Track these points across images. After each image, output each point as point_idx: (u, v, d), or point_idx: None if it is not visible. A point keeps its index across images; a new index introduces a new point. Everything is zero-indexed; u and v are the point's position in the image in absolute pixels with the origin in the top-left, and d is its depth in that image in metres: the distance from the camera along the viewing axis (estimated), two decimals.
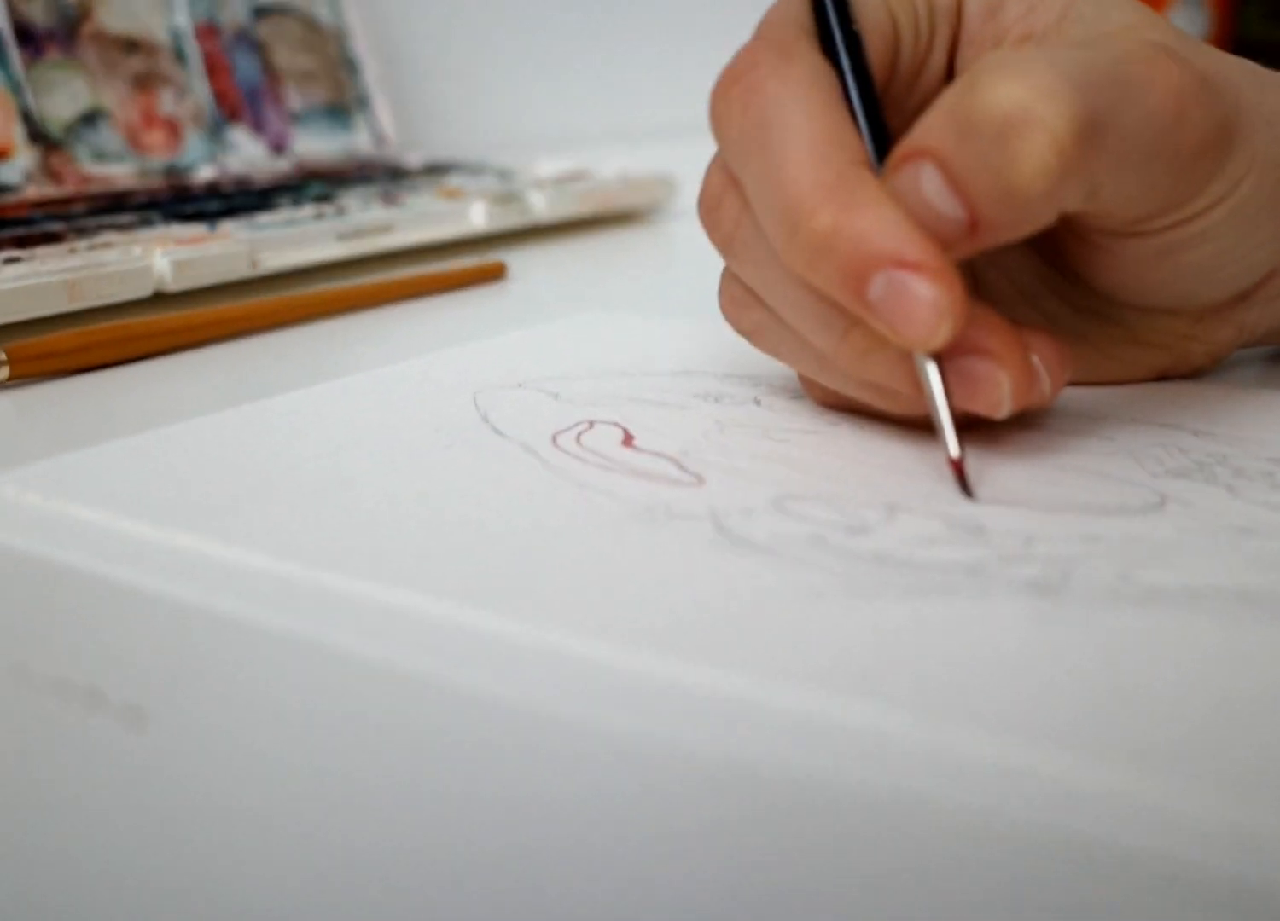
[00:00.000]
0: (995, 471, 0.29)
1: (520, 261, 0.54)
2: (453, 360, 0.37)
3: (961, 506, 0.27)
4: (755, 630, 0.22)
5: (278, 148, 0.70)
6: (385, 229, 0.52)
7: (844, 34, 0.29)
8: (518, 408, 0.33)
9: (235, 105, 0.68)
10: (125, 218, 0.51)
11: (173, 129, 0.65)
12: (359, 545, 0.25)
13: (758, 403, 0.34)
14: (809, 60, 0.28)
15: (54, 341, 0.36)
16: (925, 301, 0.25)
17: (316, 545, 0.25)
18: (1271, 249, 0.32)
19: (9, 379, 0.35)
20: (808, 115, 0.27)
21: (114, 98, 0.63)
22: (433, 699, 0.21)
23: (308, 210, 0.53)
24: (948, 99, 0.27)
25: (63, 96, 0.61)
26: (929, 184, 0.26)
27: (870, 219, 0.26)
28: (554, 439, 0.31)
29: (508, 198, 0.57)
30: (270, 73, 0.71)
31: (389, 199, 0.57)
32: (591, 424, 0.32)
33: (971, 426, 0.30)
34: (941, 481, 0.29)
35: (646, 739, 0.20)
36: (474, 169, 0.69)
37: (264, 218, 0.51)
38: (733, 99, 0.28)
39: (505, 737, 0.21)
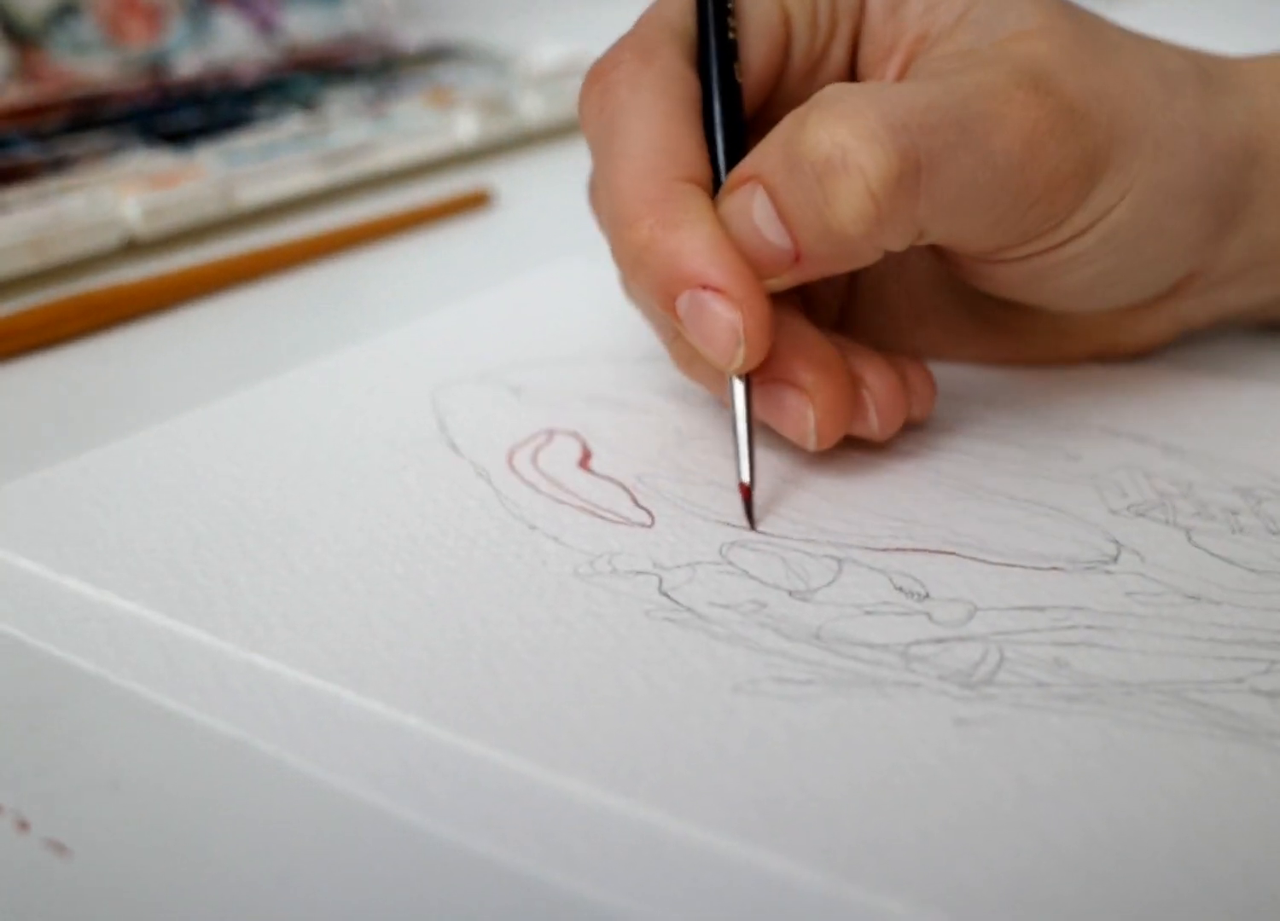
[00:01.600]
0: (957, 504, 0.29)
1: (511, 179, 0.52)
2: (412, 341, 0.36)
3: (908, 558, 0.27)
4: (669, 745, 0.22)
5: (265, 27, 0.67)
6: (367, 150, 0.50)
7: (718, 40, 0.29)
8: (476, 411, 0.33)
9: None
10: (101, 140, 0.49)
11: (152, 16, 0.63)
12: (289, 621, 0.25)
13: (723, 403, 0.33)
14: (666, 66, 0.28)
15: (14, 320, 0.36)
16: (723, 324, 0.26)
17: (244, 625, 0.25)
18: (1172, 263, 0.31)
19: None
20: (648, 124, 0.27)
21: None
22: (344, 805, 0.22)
23: (288, 128, 0.51)
24: (784, 128, 0.26)
25: None
26: (760, 211, 0.26)
27: (683, 238, 0.26)
28: (510, 457, 0.31)
29: (498, 104, 0.55)
30: None
31: (374, 108, 0.55)
32: (551, 436, 0.32)
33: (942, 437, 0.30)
34: (895, 520, 0.28)
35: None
36: (470, 56, 0.67)
37: (242, 141, 0.49)
38: (592, 98, 0.29)
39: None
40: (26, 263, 0.40)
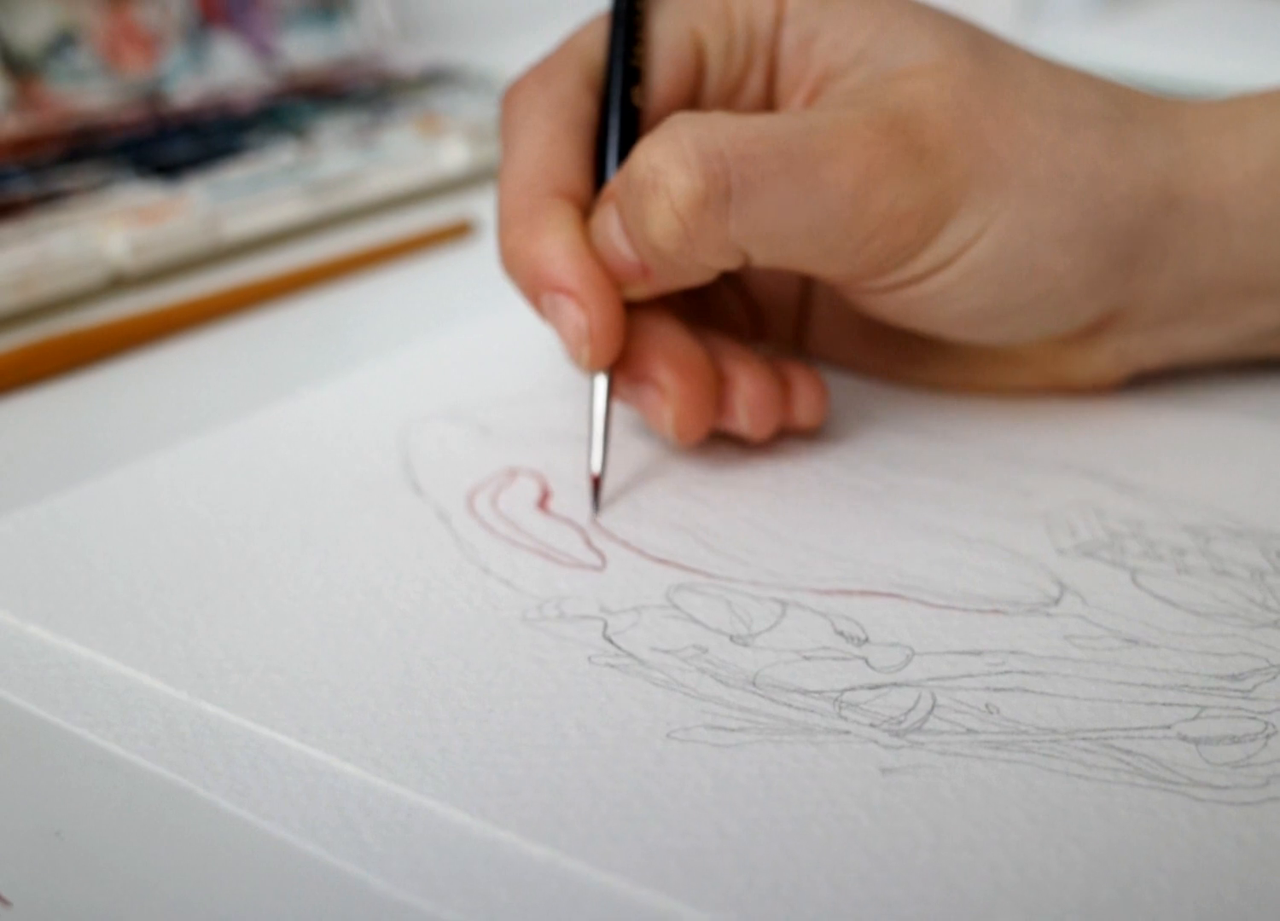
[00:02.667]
0: (908, 544, 0.29)
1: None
2: (384, 378, 0.37)
3: (852, 601, 0.27)
4: (597, 794, 0.22)
5: (263, 51, 0.68)
6: (353, 179, 0.51)
7: (622, 65, 0.31)
8: (443, 450, 0.33)
9: (216, 9, 0.67)
10: (93, 173, 0.50)
11: (149, 44, 0.64)
12: (233, 672, 0.26)
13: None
14: (560, 90, 0.31)
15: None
16: (571, 325, 0.29)
17: (199, 679, 0.25)
18: (1068, 301, 0.31)
19: None
20: (533, 143, 0.30)
21: (88, 15, 0.62)
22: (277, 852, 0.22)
23: (277, 158, 0.52)
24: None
25: (33, 18, 0.59)
26: (612, 226, 0.29)
27: (543, 245, 0.29)
28: (471, 499, 0.31)
29: (488, 132, 0.55)
30: None
31: (364, 136, 0.56)
32: (514, 475, 0.32)
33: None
34: (846, 561, 0.29)
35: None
36: (466, 80, 0.67)
37: (232, 172, 0.50)
38: (500, 116, 0.32)
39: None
40: (11, 301, 0.41)
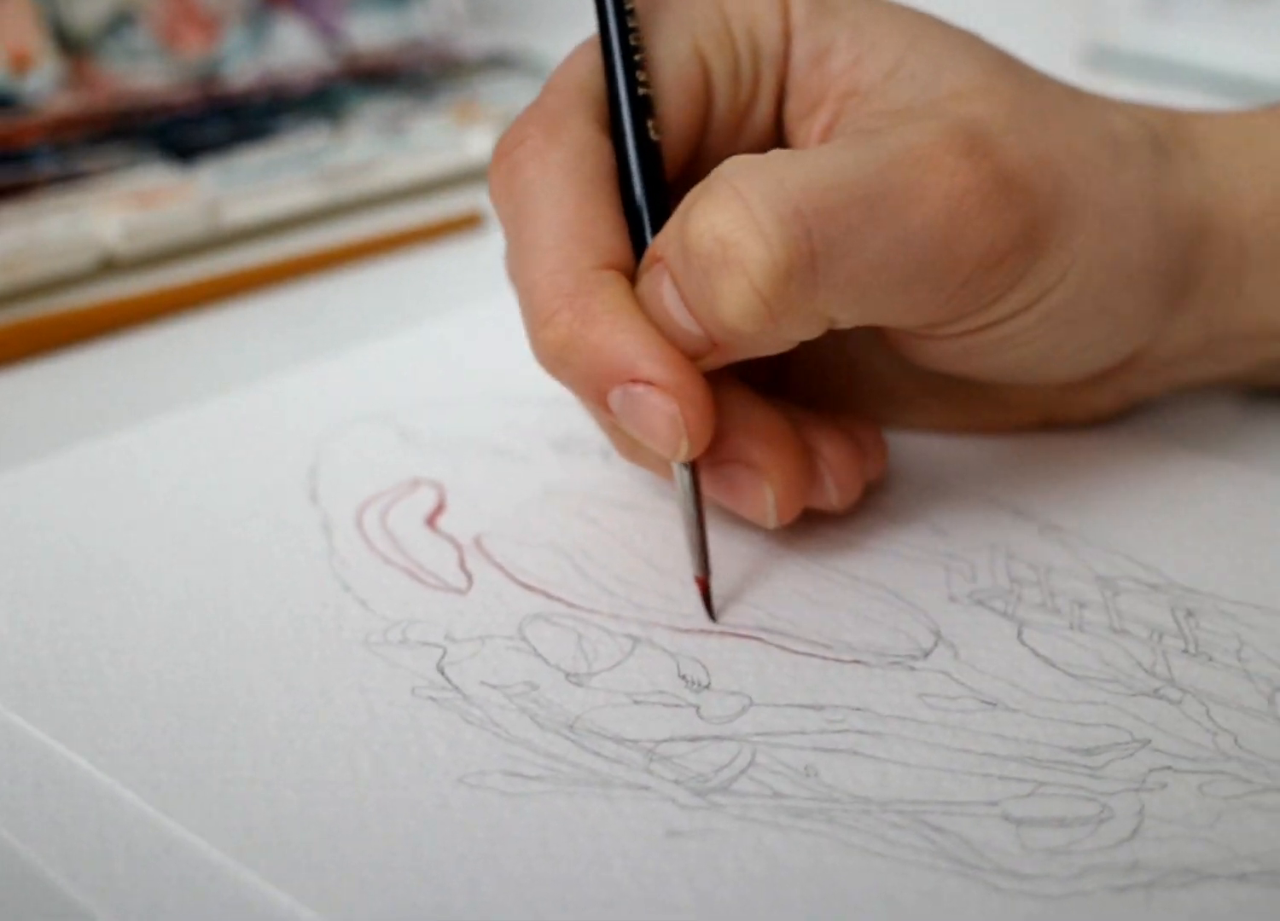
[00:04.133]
0: (792, 583, 0.28)
1: None
2: (325, 377, 0.37)
3: (709, 642, 0.26)
4: (365, 837, 0.21)
5: (327, 33, 0.68)
6: (371, 167, 0.51)
7: (630, 98, 0.27)
8: (355, 455, 0.33)
9: None
10: (119, 154, 0.51)
11: (208, 25, 0.64)
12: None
13: (606, 456, 0.33)
14: (574, 138, 0.26)
15: None
16: (661, 417, 0.25)
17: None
18: (1115, 343, 0.29)
19: None
20: (559, 208, 0.26)
21: None
22: None
23: (300, 143, 0.52)
24: (682, 208, 0.25)
25: None
26: (669, 296, 0.25)
27: (605, 332, 0.25)
28: (362, 511, 0.31)
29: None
30: None
31: (396, 123, 0.55)
32: (414, 486, 0.31)
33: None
34: (719, 598, 0.27)
35: None
36: (527, 67, 0.67)
37: (250, 157, 0.50)
38: (499, 177, 0.27)
39: None
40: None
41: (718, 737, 0.23)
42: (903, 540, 0.29)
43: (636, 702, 0.24)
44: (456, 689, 0.25)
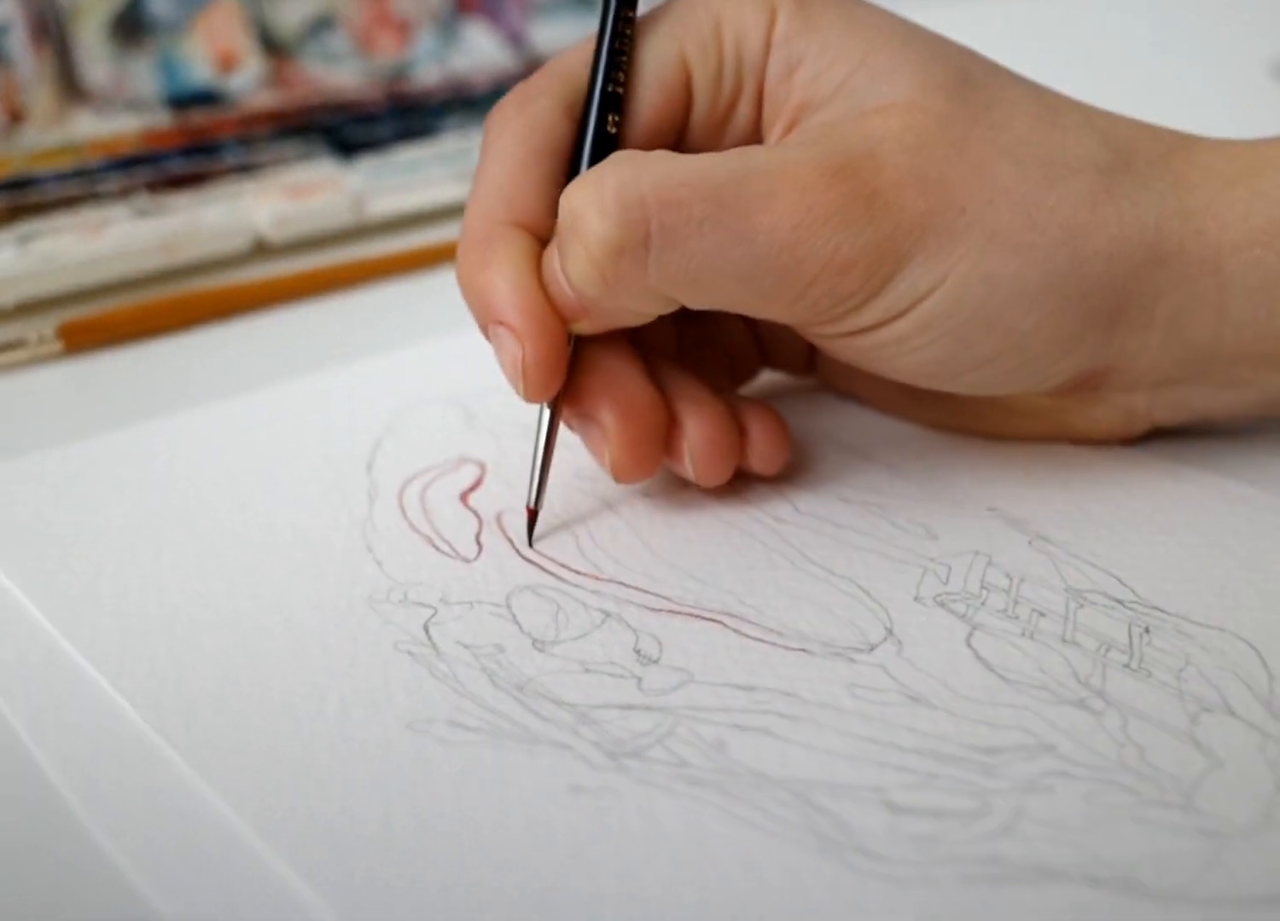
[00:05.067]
0: (769, 573, 0.29)
1: None
2: (414, 360, 0.40)
3: (673, 621, 0.28)
4: (310, 767, 0.24)
5: (514, 38, 0.72)
6: None
7: (600, 92, 0.30)
8: (420, 431, 0.36)
9: None
10: (291, 150, 0.56)
11: (402, 29, 0.69)
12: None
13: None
14: (536, 113, 0.30)
15: (105, 317, 0.42)
16: (509, 356, 0.29)
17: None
18: (1039, 356, 0.29)
19: (65, 351, 0.41)
20: (500, 168, 0.30)
21: (346, 2, 0.67)
22: None
23: (458, 143, 0.56)
24: None
25: (295, 3, 0.66)
26: (556, 260, 0.29)
27: (489, 277, 0.29)
28: (407, 483, 0.34)
29: None
30: None
31: None
32: (459, 464, 0.34)
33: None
34: (698, 582, 0.29)
35: None
36: None
37: (404, 154, 0.54)
38: (483, 134, 0.31)
39: None
40: (158, 262, 0.46)
41: (648, 707, 0.25)
42: (893, 541, 0.30)
43: (588, 671, 0.27)
44: (434, 646, 0.27)
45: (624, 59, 0.31)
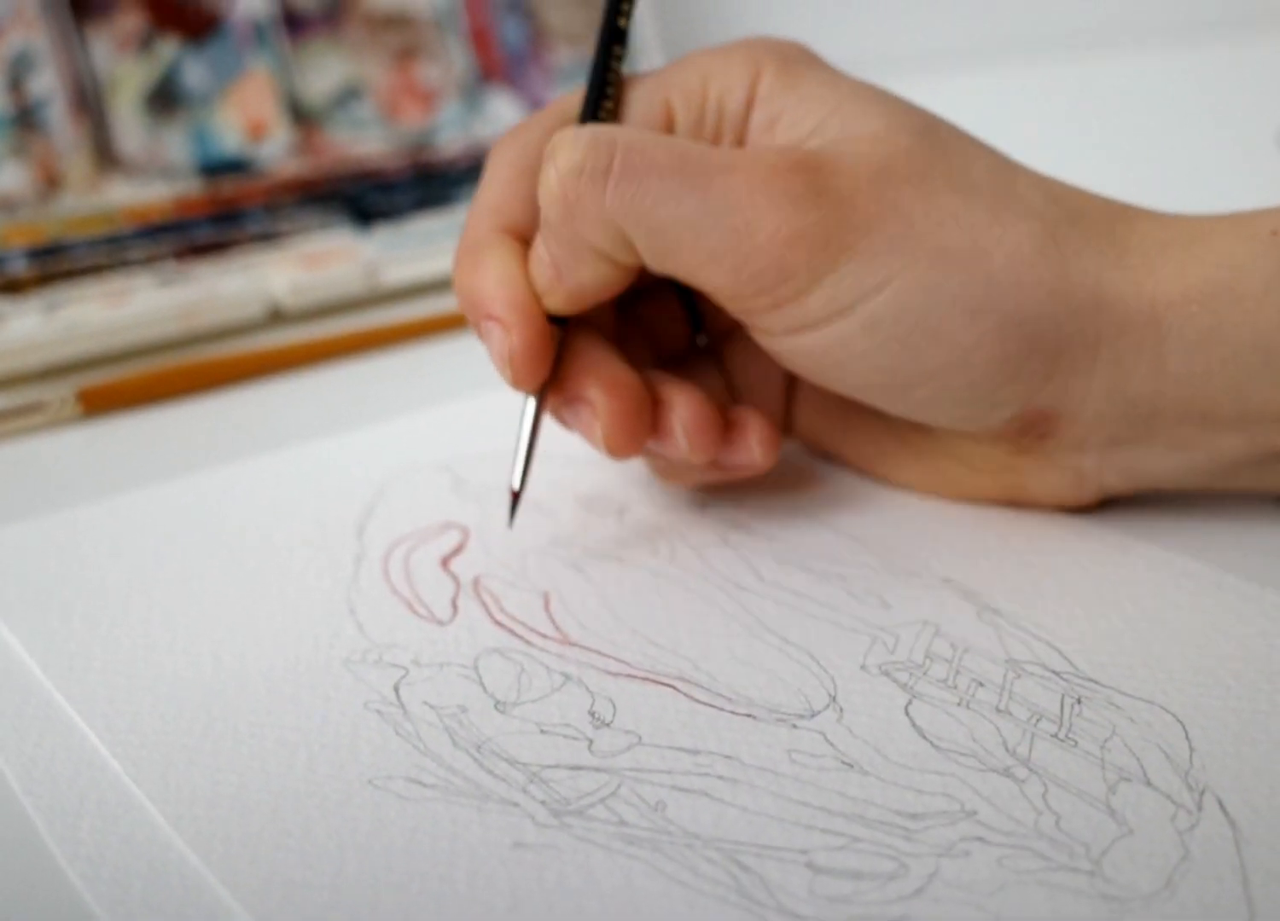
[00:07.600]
0: (725, 641, 0.31)
1: None
2: (412, 428, 0.42)
3: (630, 685, 0.29)
4: (270, 820, 0.26)
5: (536, 105, 0.74)
6: None
7: (592, 117, 0.34)
8: (409, 499, 0.38)
9: (496, 68, 0.74)
10: (312, 219, 0.58)
11: (428, 98, 0.71)
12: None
13: (621, 515, 0.36)
14: (528, 139, 0.34)
15: (123, 383, 0.44)
16: (498, 345, 0.32)
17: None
18: (977, 381, 0.31)
19: (83, 414, 0.44)
20: (493, 182, 0.34)
21: (374, 72, 0.70)
22: None
23: (462, 212, 0.58)
24: None
25: (324, 74, 0.69)
26: (538, 246, 0.32)
27: (479, 277, 0.33)
28: (392, 548, 0.35)
29: None
30: (539, 32, 0.75)
31: None
32: (444, 529, 0.36)
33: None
34: (658, 647, 0.31)
35: None
36: None
37: (419, 224, 0.56)
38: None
39: None
40: (175, 329, 0.49)
41: (597, 768, 0.27)
42: (848, 610, 0.32)
43: (544, 732, 0.28)
44: (402, 706, 0.29)
45: (612, 92, 0.34)
